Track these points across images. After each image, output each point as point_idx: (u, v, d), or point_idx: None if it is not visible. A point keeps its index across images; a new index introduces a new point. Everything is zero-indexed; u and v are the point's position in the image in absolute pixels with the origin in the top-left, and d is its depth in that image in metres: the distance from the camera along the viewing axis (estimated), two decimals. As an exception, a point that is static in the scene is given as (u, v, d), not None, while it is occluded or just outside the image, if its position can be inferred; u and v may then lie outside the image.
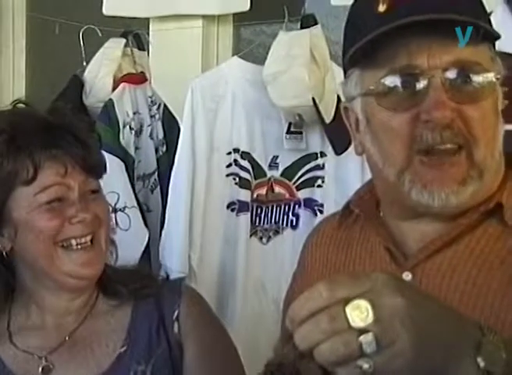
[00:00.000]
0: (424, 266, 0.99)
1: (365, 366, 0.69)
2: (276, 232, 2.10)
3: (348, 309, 0.69)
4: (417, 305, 0.72)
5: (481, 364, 0.73)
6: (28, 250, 1.26)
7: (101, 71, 2.21)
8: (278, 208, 2.10)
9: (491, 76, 0.95)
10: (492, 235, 0.97)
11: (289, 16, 2.07)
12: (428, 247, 0.99)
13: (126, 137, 2.14)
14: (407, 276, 0.99)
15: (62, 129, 1.25)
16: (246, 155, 2.11)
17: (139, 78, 2.23)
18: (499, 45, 1.14)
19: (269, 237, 2.11)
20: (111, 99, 2.14)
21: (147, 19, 2.42)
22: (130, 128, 2.15)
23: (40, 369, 1.27)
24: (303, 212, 2.08)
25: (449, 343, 0.73)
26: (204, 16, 2.34)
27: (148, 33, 2.42)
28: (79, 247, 1.24)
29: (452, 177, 0.95)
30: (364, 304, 0.69)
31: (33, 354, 1.28)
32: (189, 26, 2.35)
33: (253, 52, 2.23)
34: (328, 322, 0.70)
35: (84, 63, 2.27)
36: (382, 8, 0.95)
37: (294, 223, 2.09)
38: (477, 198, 0.97)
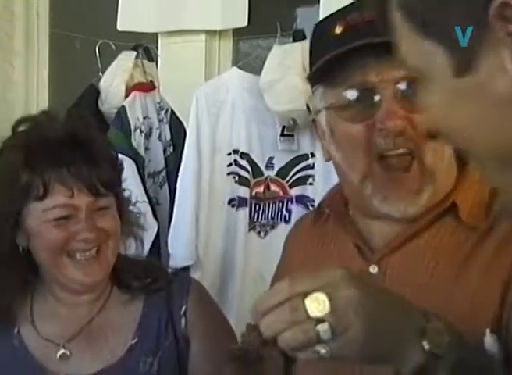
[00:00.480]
0: (389, 260, 1.01)
1: (322, 351, 0.73)
2: (272, 227, 2.16)
3: (307, 301, 0.72)
4: (369, 295, 0.75)
5: (426, 347, 0.76)
6: (38, 254, 1.28)
7: (114, 80, 2.28)
8: (273, 205, 2.16)
9: None
10: (447, 231, 0.99)
11: (282, 31, 2.12)
12: (392, 242, 1.01)
13: (137, 139, 2.20)
14: (374, 268, 1.02)
15: (74, 147, 1.24)
16: (245, 156, 2.17)
17: (148, 86, 2.28)
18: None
19: (266, 232, 2.17)
20: (123, 106, 2.21)
21: (156, 34, 2.45)
22: (141, 131, 2.20)
23: (58, 355, 1.29)
24: (295, 208, 2.14)
25: (396, 329, 0.77)
26: (206, 31, 2.38)
27: (157, 47, 2.45)
28: (83, 258, 1.25)
29: (408, 189, 0.98)
30: (321, 296, 0.72)
31: (53, 341, 1.30)
32: (193, 40, 2.40)
33: (250, 63, 2.26)
34: (290, 312, 0.73)
35: (100, 73, 2.34)
36: (338, 30, 0.99)
37: (287, 218, 2.14)
38: (433, 200, 1.00)
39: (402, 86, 0.97)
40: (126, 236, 1.35)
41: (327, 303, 0.72)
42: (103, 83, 2.31)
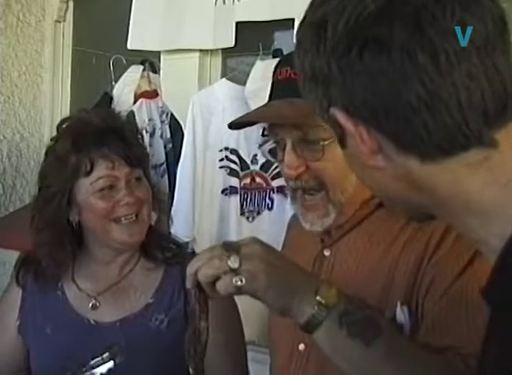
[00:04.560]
0: (338, 244, 1.00)
1: (238, 282, 0.75)
2: (258, 213, 2.11)
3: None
4: (272, 252, 0.79)
5: (318, 298, 0.77)
6: (89, 223, 1.27)
7: (125, 89, 2.26)
8: (258, 195, 2.11)
9: (330, 137, 0.90)
10: (381, 219, 0.97)
11: (263, 50, 2.09)
12: (338, 231, 1.00)
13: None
14: (327, 251, 1.00)
15: (111, 132, 1.24)
16: (234, 152, 2.11)
17: (153, 94, 2.25)
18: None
19: (253, 217, 2.11)
20: (132, 110, 2.18)
21: (159, 52, 2.40)
22: (146, 131, 2.17)
23: (90, 305, 1.29)
24: (276, 197, 2.08)
25: (294, 284, 0.79)
26: (200, 50, 2.33)
27: (160, 62, 2.41)
28: (126, 222, 1.24)
29: (315, 214, 0.96)
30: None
31: (87, 293, 1.30)
32: (189, 57, 2.34)
33: (236, 76, 2.22)
34: (209, 253, 0.78)
35: (113, 83, 2.31)
36: (274, 79, 0.99)
37: (270, 206, 2.09)
38: (344, 216, 0.97)
39: (298, 140, 0.94)
40: (154, 210, 1.32)
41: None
42: (115, 92, 2.30)
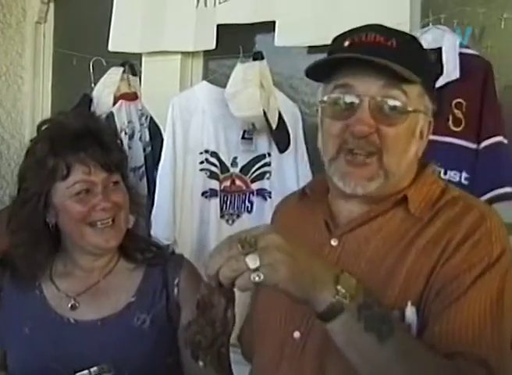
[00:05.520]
0: (347, 236, 0.99)
1: (256, 278, 0.74)
2: (238, 216, 2.09)
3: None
4: (290, 242, 0.77)
5: (339, 287, 0.78)
6: (66, 227, 1.27)
7: (104, 91, 2.21)
8: (238, 197, 2.09)
9: (408, 108, 0.95)
10: (397, 219, 0.97)
11: (244, 52, 2.06)
12: (352, 223, 1.00)
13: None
14: (335, 241, 1.00)
15: (89, 137, 1.24)
16: (214, 155, 2.09)
17: (132, 96, 2.22)
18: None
19: (233, 220, 2.10)
20: (112, 112, 2.14)
21: (141, 54, 2.39)
22: (125, 133, 2.14)
23: (69, 305, 1.28)
24: (256, 200, 2.07)
25: (314, 273, 0.78)
26: (182, 52, 2.31)
27: (141, 64, 2.38)
28: (102, 226, 1.24)
29: (361, 175, 0.96)
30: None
31: (66, 294, 1.29)
32: (171, 59, 2.31)
33: (217, 78, 2.20)
34: (227, 251, 0.76)
35: (92, 85, 2.28)
36: (346, 44, 0.97)
37: (249, 209, 2.08)
38: (384, 191, 0.97)
39: (377, 100, 0.94)
40: (132, 213, 1.33)
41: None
42: (95, 93, 2.24)
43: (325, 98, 0.98)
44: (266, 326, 1.04)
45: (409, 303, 0.88)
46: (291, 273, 0.75)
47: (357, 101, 0.94)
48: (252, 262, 0.74)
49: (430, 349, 0.83)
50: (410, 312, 0.88)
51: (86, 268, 1.31)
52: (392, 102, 0.93)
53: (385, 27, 0.97)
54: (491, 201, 1.65)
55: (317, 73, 1.00)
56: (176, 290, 1.30)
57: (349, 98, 0.95)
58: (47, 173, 1.23)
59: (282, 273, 0.75)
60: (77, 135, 1.24)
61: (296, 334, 0.97)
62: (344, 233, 0.99)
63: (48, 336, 1.25)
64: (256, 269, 0.74)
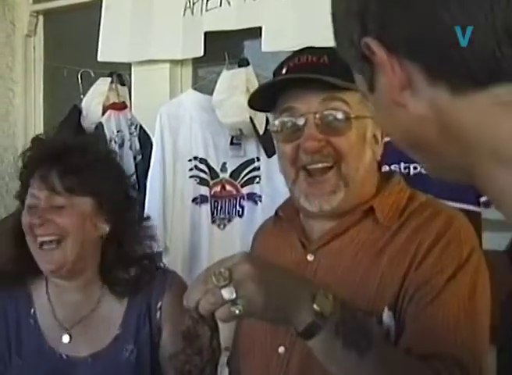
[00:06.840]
0: (322, 250, 1.01)
1: (236, 311, 0.74)
2: (229, 220, 2.09)
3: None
4: (263, 268, 0.77)
5: (316, 308, 0.77)
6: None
7: (93, 101, 2.23)
8: (229, 202, 2.09)
9: (352, 115, 0.98)
10: (367, 229, 0.99)
11: (233, 58, 2.07)
12: (324, 237, 1.02)
13: (112, 149, 2.12)
14: (311, 256, 1.02)
15: (52, 159, 1.25)
16: (203, 161, 2.09)
17: (121, 106, 2.23)
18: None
19: (225, 225, 2.10)
20: (101, 122, 2.16)
21: (130, 63, 2.39)
22: (115, 142, 2.15)
23: (63, 338, 1.26)
24: (246, 204, 2.07)
25: (290, 294, 0.78)
26: (171, 61, 2.31)
27: (130, 73, 2.39)
28: (47, 247, 1.22)
29: (323, 191, 0.99)
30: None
31: (59, 324, 1.27)
32: (160, 67, 2.33)
33: (206, 85, 2.20)
34: (203, 285, 0.76)
35: (82, 96, 2.29)
36: (284, 71, 1.01)
37: (241, 213, 2.08)
38: (349, 202, 0.99)
39: (321, 115, 0.97)
40: (106, 222, 1.28)
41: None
42: (84, 104, 2.27)
43: (275, 124, 1.02)
44: (252, 344, 1.05)
45: (386, 308, 0.90)
46: (267, 302, 0.75)
47: (302, 120, 0.98)
48: (228, 295, 0.74)
49: (409, 357, 0.85)
50: (388, 316, 0.89)
51: (63, 286, 1.29)
52: (334, 113, 0.97)
53: (317, 48, 1.03)
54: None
55: (262, 103, 1.05)
56: (158, 314, 1.28)
57: (294, 120, 0.99)
58: (23, 185, 1.28)
59: (258, 304, 0.75)
60: (50, 153, 1.26)
61: (281, 349, 0.98)
62: (319, 247, 1.02)
63: (40, 369, 1.25)
64: (233, 301, 0.74)
